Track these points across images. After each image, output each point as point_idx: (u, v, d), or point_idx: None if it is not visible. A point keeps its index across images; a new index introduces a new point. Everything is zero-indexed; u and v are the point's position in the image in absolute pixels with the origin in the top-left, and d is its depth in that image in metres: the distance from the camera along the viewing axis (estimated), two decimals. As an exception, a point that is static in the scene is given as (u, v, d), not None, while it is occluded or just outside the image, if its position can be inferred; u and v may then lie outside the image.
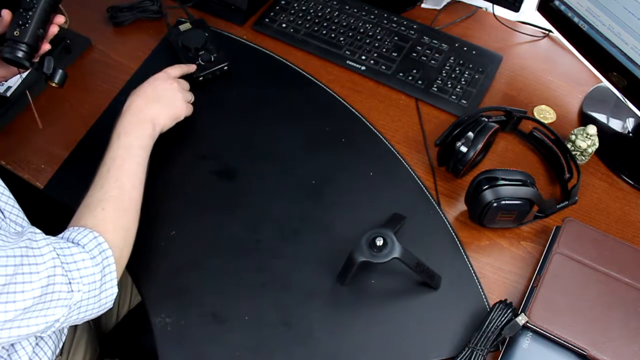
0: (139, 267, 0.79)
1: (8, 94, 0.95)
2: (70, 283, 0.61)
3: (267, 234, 0.83)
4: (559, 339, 0.71)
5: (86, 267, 0.63)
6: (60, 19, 0.82)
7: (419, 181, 0.88)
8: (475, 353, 0.70)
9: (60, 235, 0.67)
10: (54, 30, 0.81)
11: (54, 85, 0.82)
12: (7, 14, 0.77)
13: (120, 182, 0.73)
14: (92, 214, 0.70)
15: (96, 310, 0.67)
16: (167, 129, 0.84)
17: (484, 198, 0.77)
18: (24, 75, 0.88)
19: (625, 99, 0.88)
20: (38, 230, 0.63)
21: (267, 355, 0.73)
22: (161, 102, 0.83)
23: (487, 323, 0.71)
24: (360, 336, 0.75)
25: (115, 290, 0.68)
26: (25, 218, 0.72)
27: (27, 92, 0.84)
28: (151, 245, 0.81)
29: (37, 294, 0.57)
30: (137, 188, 0.75)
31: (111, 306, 0.69)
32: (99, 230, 0.68)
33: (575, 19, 0.91)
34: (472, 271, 0.80)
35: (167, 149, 0.87)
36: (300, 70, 1.02)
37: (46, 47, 0.81)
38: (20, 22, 0.75)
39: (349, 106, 0.97)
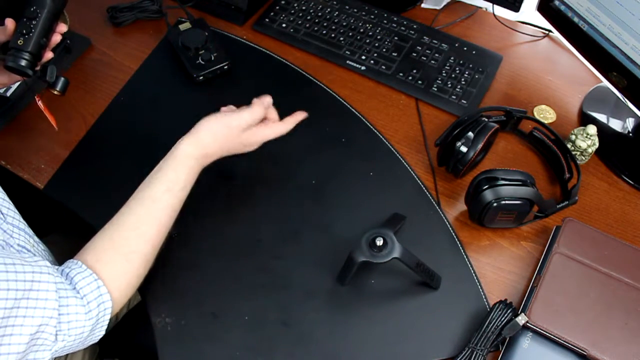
0: (139, 267, 0.79)
1: (8, 93, 0.95)
2: (57, 334, 0.60)
3: (267, 234, 0.83)
4: (559, 339, 0.71)
5: (77, 320, 0.62)
6: (62, 28, 0.82)
7: (419, 181, 0.88)
8: (475, 353, 0.70)
9: (69, 267, 0.65)
10: (56, 38, 0.82)
11: (55, 93, 0.82)
12: (10, 22, 0.78)
13: (156, 234, 0.71)
14: (114, 263, 0.67)
15: (80, 348, 0.66)
16: None
17: (484, 198, 0.77)
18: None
19: (625, 99, 0.88)
20: (46, 264, 0.61)
21: (267, 355, 0.73)
22: (227, 153, 0.79)
23: (487, 323, 0.71)
24: (360, 336, 0.75)
25: (103, 332, 0.67)
26: (23, 220, 0.71)
27: (35, 98, 0.85)
28: (151, 245, 0.81)
29: (24, 341, 0.57)
30: (163, 237, 0.73)
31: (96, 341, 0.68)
32: (115, 284, 0.66)
33: (575, 19, 0.91)
34: (472, 271, 0.80)
35: (167, 149, 0.87)
36: (300, 70, 1.02)
37: (49, 55, 0.81)
38: (24, 31, 0.76)
39: (349, 106, 0.97)
